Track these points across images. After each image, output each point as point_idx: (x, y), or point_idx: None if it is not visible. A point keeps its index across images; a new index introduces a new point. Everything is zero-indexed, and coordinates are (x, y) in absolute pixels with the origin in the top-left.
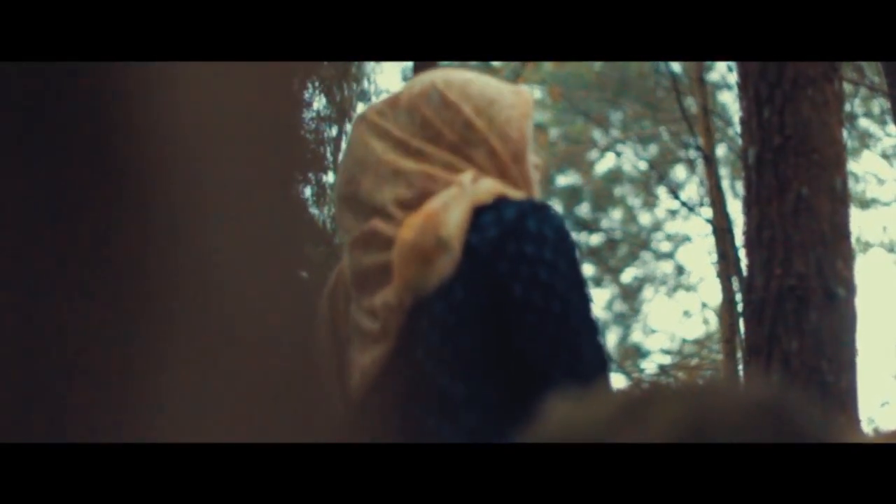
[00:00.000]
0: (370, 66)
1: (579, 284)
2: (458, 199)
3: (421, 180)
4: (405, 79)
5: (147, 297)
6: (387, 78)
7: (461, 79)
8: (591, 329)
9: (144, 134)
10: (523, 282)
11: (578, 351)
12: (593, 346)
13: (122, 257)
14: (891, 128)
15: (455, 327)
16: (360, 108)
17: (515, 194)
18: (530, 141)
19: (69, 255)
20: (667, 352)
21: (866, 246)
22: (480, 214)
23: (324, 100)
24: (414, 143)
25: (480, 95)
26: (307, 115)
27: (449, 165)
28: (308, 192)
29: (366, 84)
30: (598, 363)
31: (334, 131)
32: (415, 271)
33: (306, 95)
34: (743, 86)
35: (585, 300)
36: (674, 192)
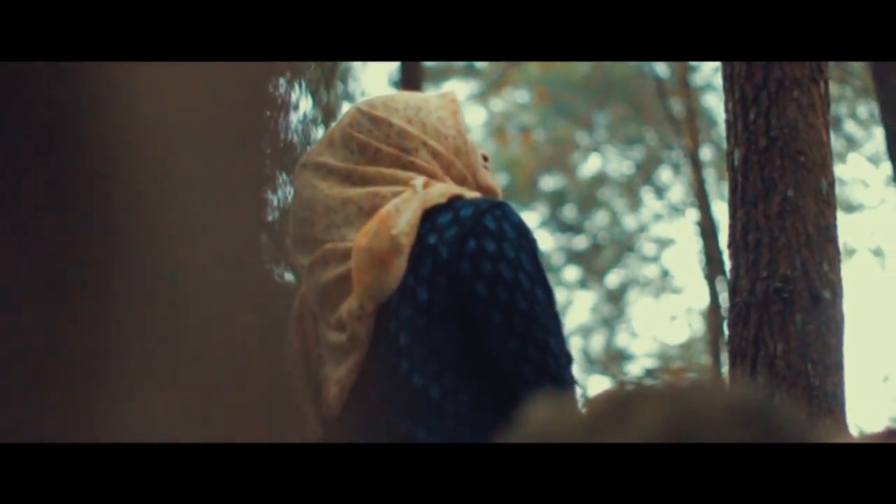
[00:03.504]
0: (356, 67)
1: (543, 280)
2: (409, 202)
3: (370, 200)
4: (391, 80)
5: (116, 300)
6: (372, 79)
7: (383, 97)
8: (557, 324)
9: (114, 137)
10: (486, 280)
11: (546, 346)
12: (559, 341)
13: (90, 261)
14: (877, 131)
15: (423, 329)
16: (345, 108)
17: (470, 194)
18: (468, 134)
19: (37, 258)
20: (652, 355)
21: (852, 250)
22: (436, 215)
23: (310, 102)
24: (357, 171)
25: (406, 105)
26: (294, 117)
27: (394, 180)
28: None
29: (351, 85)
30: (565, 358)
31: (321, 133)
32: (373, 275)
33: (293, 98)
34: (728, 88)
35: (550, 295)
36: (659, 193)
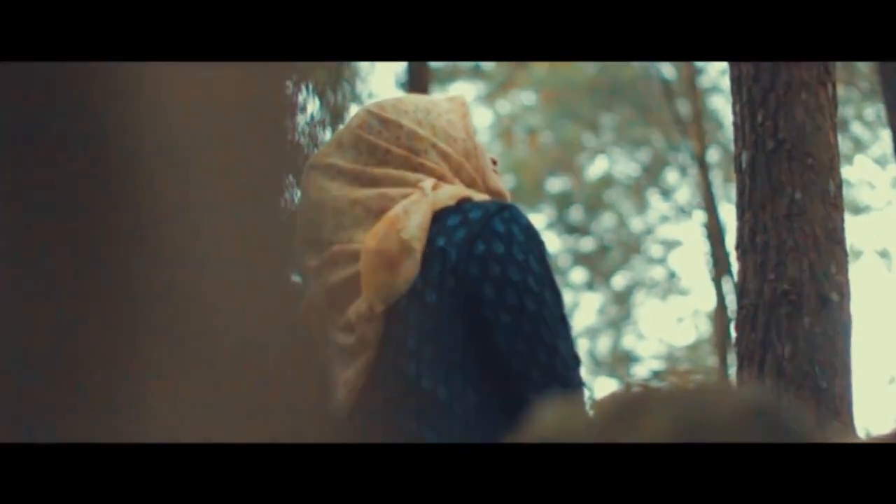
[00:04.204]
0: (364, 68)
1: (551, 282)
2: (419, 204)
3: (378, 202)
4: (398, 82)
5: (135, 301)
6: (380, 80)
7: (392, 99)
8: (565, 326)
9: (133, 138)
10: (495, 282)
11: (555, 348)
12: (568, 343)
13: (110, 262)
14: (883, 133)
15: (432, 331)
16: (354, 109)
17: (479, 196)
18: (477, 138)
19: (57, 259)
20: (659, 357)
21: (859, 252)
22: (445, 217)
23: (317, 103)
24: (366, 172)
25: (416, 108)
26: (301, 118)
27: (403, 181)
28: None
29: (359, 86)
30: (574, 360)
31: (328, 135)
32: (382, 277)
33: (300, 99)
34: (736, 90)
35: (558, 297)
36: (666, 195)
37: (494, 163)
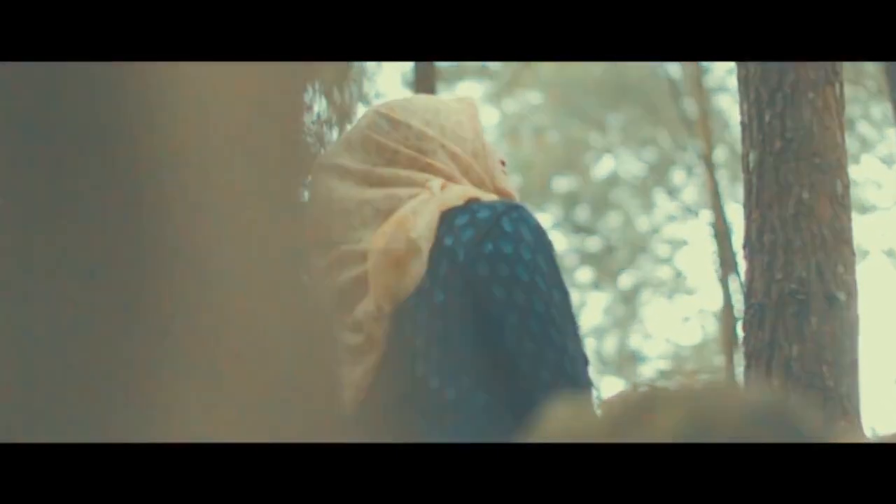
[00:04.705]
0: (370, 67)
1: (559, 282)
2: (427, 203)
3: (387, 202)
4: (405, 81)
5: (146, 298)
6: (387, 79)
7: (401, 99)
8: (573, 326)
9: (144, 137)
10: (504, 282)
11: (563, 348)
12: (576, 343)
13: (121, 259)
14: (890, 132)
15: (440, 331)
16: (361, 109)
17: (487, 196)
18: (485, 138)
19: (69, 255)
20: (665, 356)
21: (865, 251)
22: (454, 217)
23: (324, 102)
24: (375, 172)
25: (425, 108)
26: (308, 118)
27: (412, 182)
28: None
29: (366, 86)
30: (582, 360)
31: (335, 134)
32: (390, 277)
33: (307, 98)
34: (743, 90)
35: (566, 297)
36: (672, 194)
37: (503, 163)
